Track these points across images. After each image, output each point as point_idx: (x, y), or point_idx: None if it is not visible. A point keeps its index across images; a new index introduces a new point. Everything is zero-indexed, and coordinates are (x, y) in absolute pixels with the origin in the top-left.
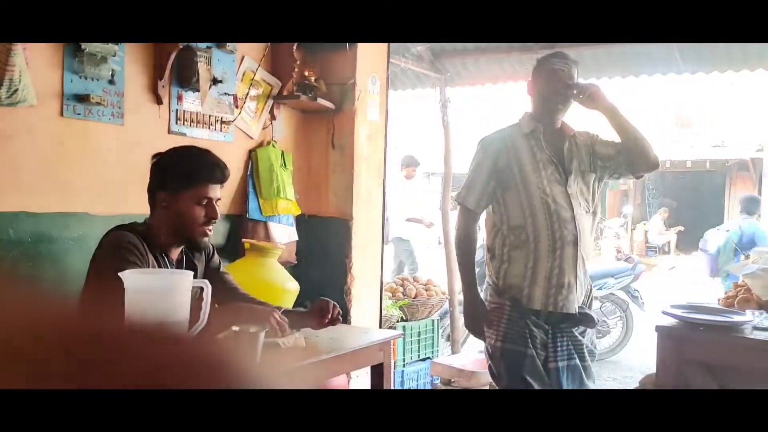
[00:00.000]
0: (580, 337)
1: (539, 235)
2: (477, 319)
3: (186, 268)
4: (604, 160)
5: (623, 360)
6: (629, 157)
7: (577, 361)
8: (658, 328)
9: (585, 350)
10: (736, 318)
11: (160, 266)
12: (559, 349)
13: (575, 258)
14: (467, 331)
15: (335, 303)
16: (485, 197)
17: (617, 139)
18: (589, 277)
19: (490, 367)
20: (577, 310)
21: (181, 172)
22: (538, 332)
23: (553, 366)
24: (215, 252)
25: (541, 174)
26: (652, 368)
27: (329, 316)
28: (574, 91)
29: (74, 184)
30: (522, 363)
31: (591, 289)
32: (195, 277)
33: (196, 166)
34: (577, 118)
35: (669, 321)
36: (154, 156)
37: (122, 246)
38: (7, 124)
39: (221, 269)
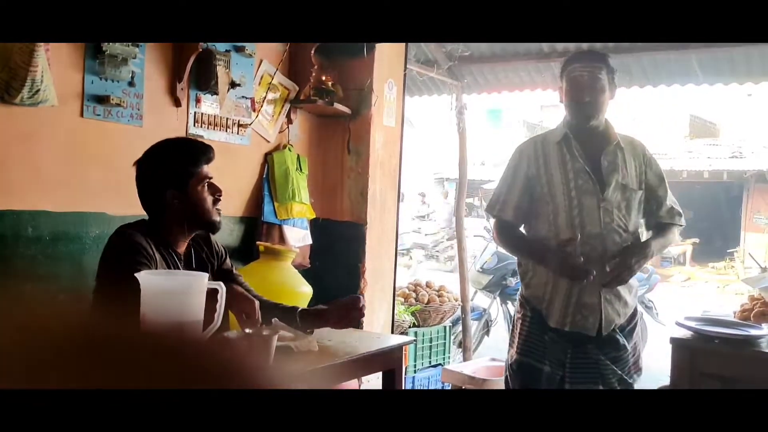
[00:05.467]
0: (608, 362)
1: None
2: (566, 264)
3: (195, 261)
4: (646, 191)
5: None
6: (653, 220)
7: (601, 387)
8: (672, 340)
9: (613, 377)
10: (751, 332)
11: (168, 262)
12: (578, 370)
13: (601, 278)
14: (573, 278)
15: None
16: (524, 207)
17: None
18: (631, 300)
19: (506, 379)
20: (603, 333)
21: (181, 165)
22: (556, 349)
23: (569, 387)
24: (227, 255)
25: (570, 185)
26: (665, 380)
27: (359, 305)
28: (603, 281)
29: (93, 184)
30: (536, 378)
31: (635, 313)
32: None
33: (191, 153)
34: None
35: (683, 333)
36: (136, 162)
37: (130, 247)
38: (29, 124)
39: (233, 272)
